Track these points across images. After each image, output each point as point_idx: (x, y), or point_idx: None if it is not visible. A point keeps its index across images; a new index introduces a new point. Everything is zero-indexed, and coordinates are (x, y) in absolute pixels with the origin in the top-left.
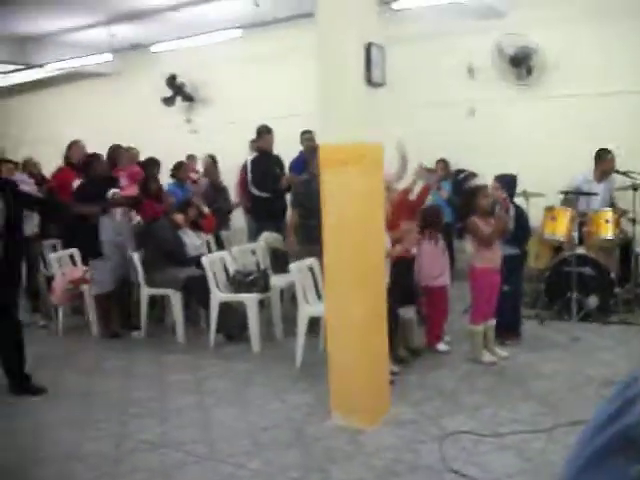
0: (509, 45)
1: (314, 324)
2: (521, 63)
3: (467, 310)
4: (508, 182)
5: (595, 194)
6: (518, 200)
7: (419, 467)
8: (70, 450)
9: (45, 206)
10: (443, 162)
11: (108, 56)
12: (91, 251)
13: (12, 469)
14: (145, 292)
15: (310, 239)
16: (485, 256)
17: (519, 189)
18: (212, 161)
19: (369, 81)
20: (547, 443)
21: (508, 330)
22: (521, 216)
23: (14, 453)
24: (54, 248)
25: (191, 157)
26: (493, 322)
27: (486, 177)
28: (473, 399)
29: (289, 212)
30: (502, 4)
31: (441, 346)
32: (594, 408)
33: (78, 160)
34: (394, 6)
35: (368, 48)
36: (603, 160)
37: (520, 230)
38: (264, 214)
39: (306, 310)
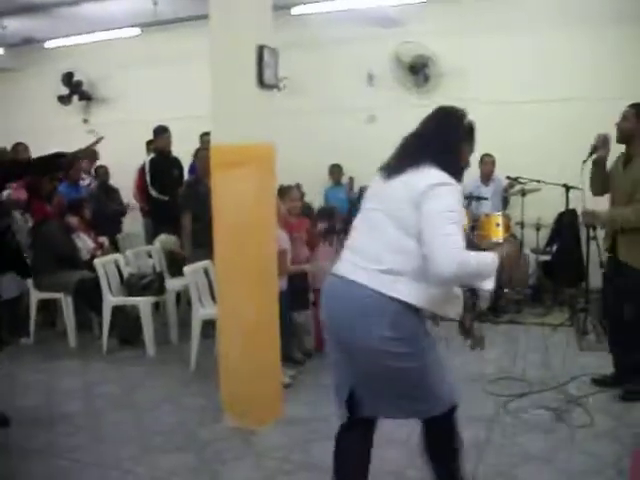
0: (406, 53)
1: (210, 327)
2: (418, 71)
3: None
4: None
5: (485, 198)
6: None
7: (308, 465)
8: None
9: None
10: (338, 167)
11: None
12: None
13: None
14: (34, 296)
15: (202, 242)
16: None
17: None
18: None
19: (261, 83)
20: None
21: None
22: None
23: None
24: None
25: None
26: None
27: None
28: None
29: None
30: (399, 14)
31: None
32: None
33: None
34: (293, 11)
35: (260, 50)
36: (482, 163)
37: None
38: (162, 216)
39: (200, 312)
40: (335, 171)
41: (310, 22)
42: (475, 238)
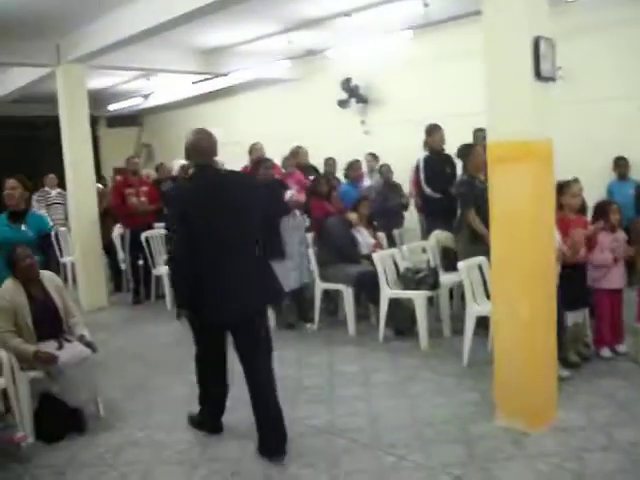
0: None
1: (482, 323)
2: None
3: None
4: None
5: None
6: None
7: (584, 477)
8: (247, 429)
9: None
10: (623, 160)
11: (286, 63)
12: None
13: None
14: (319, 287)
15: (478, 238)
16: None
17: None
18: (373, 159)
19: (538, 75)
20: None
21: None
22: None
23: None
24: None
25: (372, 155)
26: None
27: None
28: None
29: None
30: None
31: (604, 352)
32: None
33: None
34: None
35: (536, 42)
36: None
37: None
38: (435, 213)
39: (474, 309)
40: (620, 164)
41: (584, 7)
42: None
